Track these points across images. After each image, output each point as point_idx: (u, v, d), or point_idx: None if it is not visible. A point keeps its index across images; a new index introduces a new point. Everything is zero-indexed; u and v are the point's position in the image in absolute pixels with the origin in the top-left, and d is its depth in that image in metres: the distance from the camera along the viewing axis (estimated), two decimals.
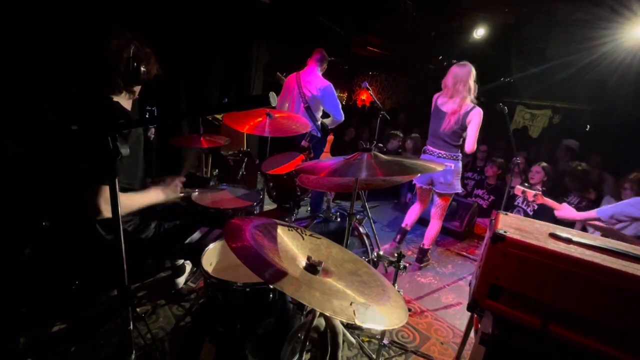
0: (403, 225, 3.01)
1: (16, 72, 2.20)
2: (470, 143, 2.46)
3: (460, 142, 2.58)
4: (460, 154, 2.61)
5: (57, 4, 2.33)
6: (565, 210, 2.05)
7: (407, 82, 9.66)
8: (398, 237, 3.06)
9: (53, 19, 2.32)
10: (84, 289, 1.41)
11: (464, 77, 2.42)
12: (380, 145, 2.94)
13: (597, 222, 1.98)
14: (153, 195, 1.47)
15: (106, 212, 1.23)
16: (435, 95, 2.65)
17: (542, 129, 7.64)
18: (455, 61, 2.58)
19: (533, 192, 2.19)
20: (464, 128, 2.48)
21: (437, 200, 2.73)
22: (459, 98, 2.45)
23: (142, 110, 3.44)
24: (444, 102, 2.56)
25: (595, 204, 3.39)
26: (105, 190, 1.21)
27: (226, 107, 1.63)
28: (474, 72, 2.46)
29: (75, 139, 1.25)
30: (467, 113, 2.44)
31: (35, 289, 1.58)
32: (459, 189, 2.65)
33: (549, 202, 2.16)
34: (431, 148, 2.66)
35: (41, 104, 2.21)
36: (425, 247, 2.87)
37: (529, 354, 1.07)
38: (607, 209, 1.93)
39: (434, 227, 2.79)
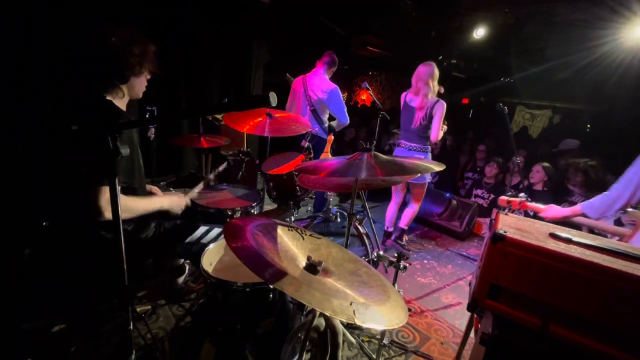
0: (385, 227, 3.14)
1: (15, 71, 2.20)
2: (435, 133, 2.69)
3: (429, 134, 2.76)
4: (430, 147, 2.84)
5: (57, 4, 2.33)
6: (550, 210, 2.03)
7: (407, 82, 9.66)
8: (383, 239, 3.17)
9: (53, 18, 2.32)
10: (84, 289, 1.40)
11: (424, 76, 2.67)
12: (392, 142, 3.04)
13: (582, 218, 1.96)
14: (157, 202, 1.45)
15: (108, 213, 1.21)
16: (404, 93, 2.88)
17: (542, 129, 7.65)
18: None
19: (518, 199, 2.20)
20: (430, 120, 2.71)
21: (411, 189, 2.94)
22: (422, 94, 2.69)
23: (142, 110, 3.44)
24: (411, 99, 2.80)
25: None
26: (106, 191, 1.19)
27: (226, 107, 1.63)
28: (436, 72, 2.68)
29: (75, 139, 1.24)
30: (431, 106, 2.67)
31: (35, 289, 1.58)
32: (428, 178, 2.88)
33: (534, 207, 2.15)
34: (404, 142, 2.87)
35: (40, 104, 2.21)
36: (401, 225, 3.05)
37: (529, 354, 1.07)
38: (591, 203, 1.87)
39: (412, 208, 2.99)
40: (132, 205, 1.33)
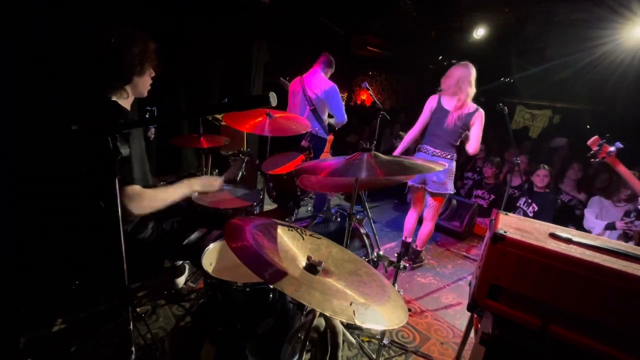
0: (403, 238, 2.93)
1: (15, 72, 2.20)
2: (474, 144, 2.47)
3: (458, 143, 2.57)
4: (456, 155, 2.60)
5: (57, 3, 2.33)
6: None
7: (407, 82, 9.67)
8: (402, 251, 2.93)
9: (53, 19, 2.32)
10: (84, 289, 1.40)
11: (460, 79, 2.45)
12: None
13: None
14: (185, 187, 1.46)
15: (134, 209, 1.24)
16: (436, 95, 2.63)
17: (542, 129, 7.64)
18: (455, 61, 2.58)
19: (610, 147, 1.97)
20: (465, 128, 2.49)
21: (430, 200, 2.70)
22: (462, 97, 2.46)
23: (142, 110, 3.44)
24: (446, 101, 2.55)
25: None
26: (126, 190, 1.22)
27: (226, 107, 1.63)
28: (474, 72, 2.47)
29: (78, 139, 1.24)
30: (471, 114, 2.46)
31: (35, 289, 1.58)
32: (451, 189, 2.63)
33: (623, 169, 1.99)
34: (427, 146, 2.63)
35: (41, 105, 2.21)
36: (418, 248, 2.85)
37: (529, 354, 1.07)
38: None
39: (427, 228, 2.76)
40: (162, 196, 1.35)
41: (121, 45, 1.27)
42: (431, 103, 2.64)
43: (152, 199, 1.30)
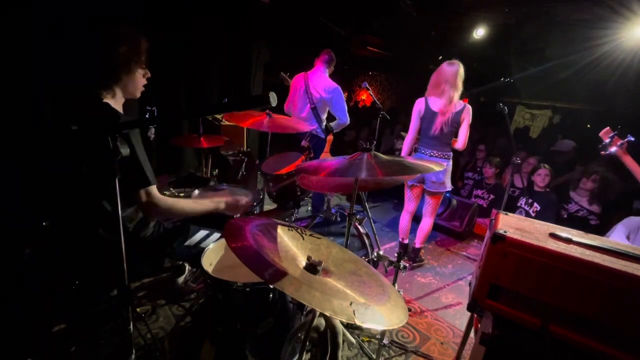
0: (400, 239, 2.92)
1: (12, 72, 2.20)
2: (462, 141, 2.52)
3: (452, 141, 2.59)
4: (451, 153, 2.62)
5: (55, 2, 2.33)
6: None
7: (407, 82, 9.67)
8: (400, 252, 2.94)
9: (53, 18, 2.32)
10: (84, 289, 1.40)
11: (450, 76, 2.43)
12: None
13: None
14: (211, 205, 1.45)
15: (150, 212, 1.29)
16: (422, 98, 2.62)
17: (542, 129, 7.64)
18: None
19: (621, 141, 1.96)
20: (457, 126, 2.51)
21: (428, 199, 2.71)
22: (447, 97, 2.45)
23: (142, 110, 3.44)
24: (433, 102, 2.54)
25: (599, 217, 3.16)
26: (141, 193, 1.23)
27: (226, 107, 1.62)
28: (461, 71, 2.44)
29: (78, 140, 1.23)
30: (459, 112, 2.47)
31: (35, 289, 1.57)
32: (449, 186, 2.65)
33: (630, 161, 1.96)
34: (423, 148, 2.63)
35: (38, 105, 2.21)
36: (417, 246, 2.85)
37: (529, 354, 1.07)
38: None
39: (426, 224, 2.77)
40: (181, 206, 1.35)
41: (107, 43, 1.24)
42: (419, 106, 2.61)
43: (171, 207, 1.31)
